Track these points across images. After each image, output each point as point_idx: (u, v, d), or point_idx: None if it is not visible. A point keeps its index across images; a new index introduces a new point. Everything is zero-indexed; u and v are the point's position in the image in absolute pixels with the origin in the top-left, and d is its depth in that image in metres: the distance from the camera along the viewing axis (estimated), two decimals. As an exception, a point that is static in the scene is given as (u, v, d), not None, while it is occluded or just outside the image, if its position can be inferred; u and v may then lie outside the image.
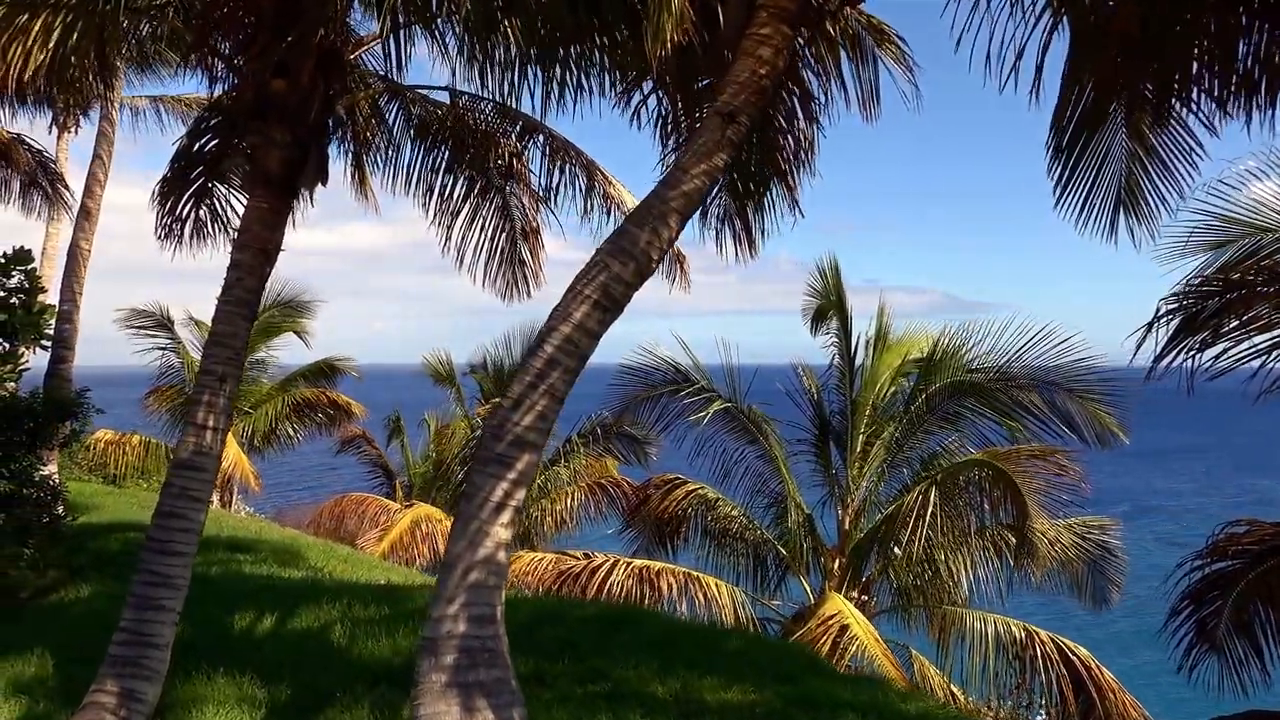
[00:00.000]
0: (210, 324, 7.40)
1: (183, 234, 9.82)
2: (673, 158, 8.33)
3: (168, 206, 9.60)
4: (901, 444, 13.88)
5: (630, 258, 5.03)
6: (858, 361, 14.61)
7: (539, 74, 7.67)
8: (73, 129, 21.31)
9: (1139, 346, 6.62)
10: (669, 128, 8.09)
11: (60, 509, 11.49)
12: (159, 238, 9.91)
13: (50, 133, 20.15)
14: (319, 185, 7.75)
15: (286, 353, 21.60)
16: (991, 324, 13.20)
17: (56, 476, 12.55)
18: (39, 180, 17.63)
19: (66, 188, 18.39)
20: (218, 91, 8.80)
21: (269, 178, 7.33)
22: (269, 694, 6.77)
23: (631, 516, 16.95)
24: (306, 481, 44.63)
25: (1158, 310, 6.72)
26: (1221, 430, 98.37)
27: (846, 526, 14.11)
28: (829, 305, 15.06)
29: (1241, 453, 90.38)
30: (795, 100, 6.20)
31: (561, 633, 7.56)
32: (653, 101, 7.91)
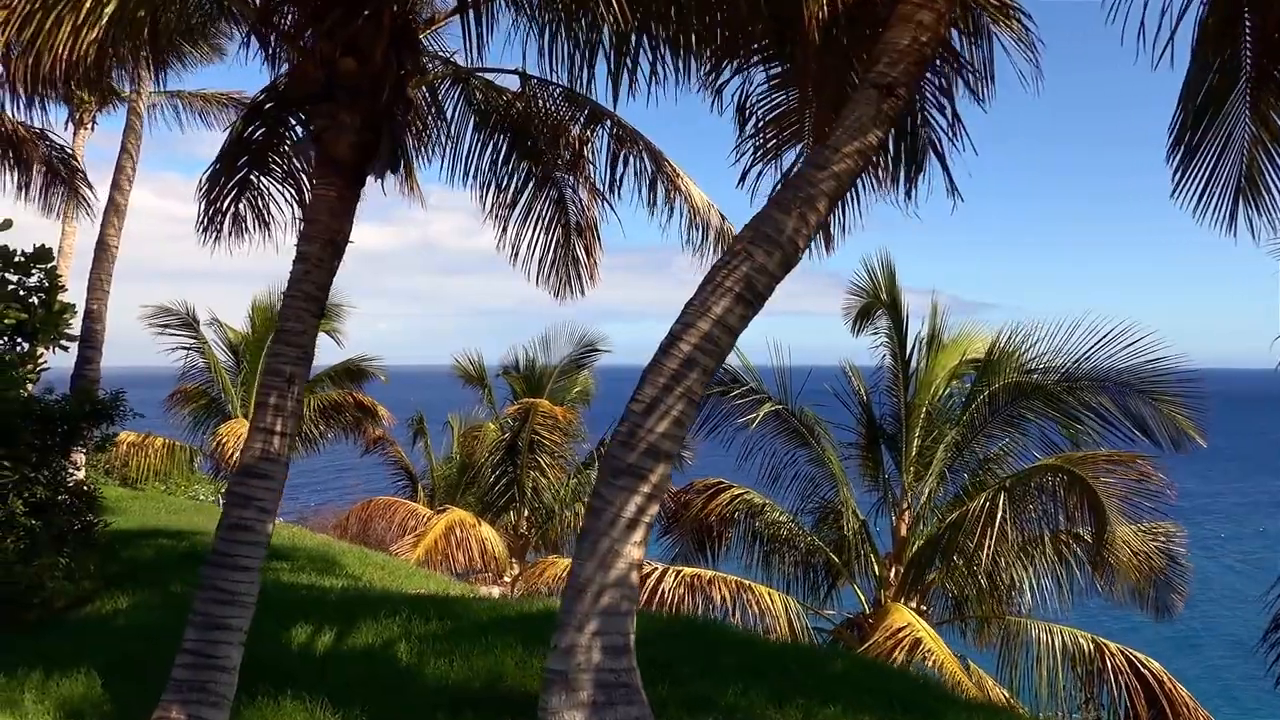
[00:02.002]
0: (278, 320, 6.90)
1: (222, 228, 9.37)
2: (750, 145, 7.88)
3: (212, 197, 9.15)
4: (961, 448, 13.37)
5: (775, 246, 4.53)
6: (913, 363, 14.12)
7: (613, 53, 7.19)
8: (89, 126, 20.88)
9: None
10: (747, 113, 7.62)
11: (92, 515, 11.01)
12: (199, 230, 9.45)
13: (66, 129, 19.69)
14: (389, 172, 7.24)
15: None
16: (1058, 324, 12.67)
17: (90, 482, 12.05)
18: (60, 176, 17.12)
19: (88, 184, 17.89)
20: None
21: (338, 164, 6.83)
22: (343, 720, 6.27)
23: (671, 522, 16.45)
24: (315, 485, 44.11)
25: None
26: (1222, 432, 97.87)
27: (903, 533, 13.61)
28: (877, 304, 14.56)
29: (1248, 454, 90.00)
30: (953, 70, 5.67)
31: (651, 652, 7.01)
32: (734, 84, 7.46)
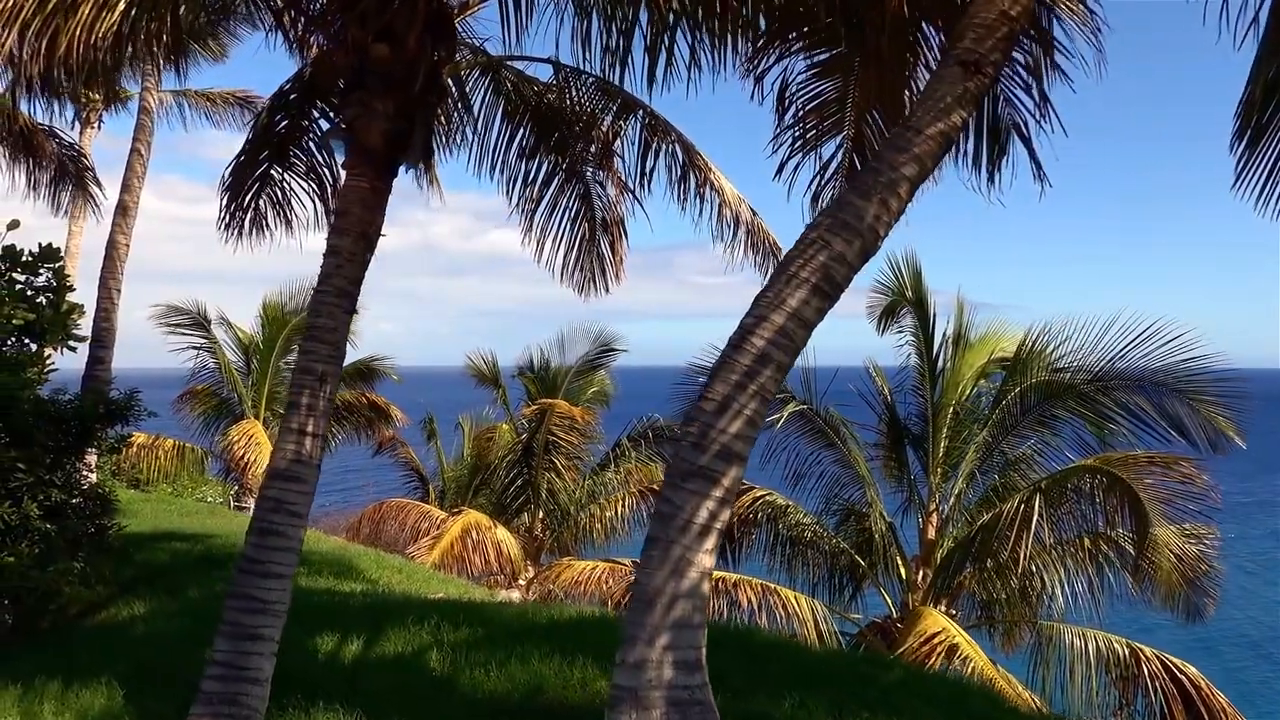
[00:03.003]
0: (308, 316, 6.64)
1: (244, 224, 9.15)
2: (788, 135, 7.62)
3: (234, 192, 8.92)
4: (991, 449, 13.08)
5: (855, 234, 4.24)
6: (939, 363, 13.84)
7: (650, 38, 6.93)
8: (96, 126, 20.63)
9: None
10: (787, 102, 7.36)
11: (105, 519, 10.73)
12: (220, 228, 9.24)
13: (72, 128, 19.42)
14: (422, 163, 6.97)
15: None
16: (1091, 321, 12.37)
17: (103, 485, 11.77)
18: (69, 174, 16.87)
19: (96, 182, 17.64)
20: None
21: (370, 153, 6.56)
22: (380, 734, 5.99)
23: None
24: (320, 486, 43.59)
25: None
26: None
27: (931, 535, 13.33)
28: (902, 302, 14.29)
29: (1251, 454, 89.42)
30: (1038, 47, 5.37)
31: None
32: (774, 72, 7.21)
